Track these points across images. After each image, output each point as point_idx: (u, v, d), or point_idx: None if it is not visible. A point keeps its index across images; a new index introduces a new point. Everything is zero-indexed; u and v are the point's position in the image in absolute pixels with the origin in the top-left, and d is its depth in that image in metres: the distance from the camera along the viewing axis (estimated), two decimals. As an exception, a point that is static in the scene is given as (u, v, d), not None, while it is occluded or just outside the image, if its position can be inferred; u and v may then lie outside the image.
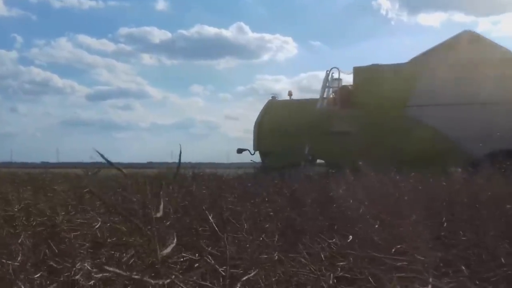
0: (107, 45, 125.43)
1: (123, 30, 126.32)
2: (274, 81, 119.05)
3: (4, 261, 2.60)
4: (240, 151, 17.64)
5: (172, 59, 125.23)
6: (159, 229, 2.15)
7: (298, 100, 17.93)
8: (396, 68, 14.63)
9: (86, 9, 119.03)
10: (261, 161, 17.05)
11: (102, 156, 2.09)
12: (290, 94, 18.04)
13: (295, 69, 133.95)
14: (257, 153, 17.40)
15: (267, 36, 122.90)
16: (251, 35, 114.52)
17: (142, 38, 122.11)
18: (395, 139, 13.49)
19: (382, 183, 5.62)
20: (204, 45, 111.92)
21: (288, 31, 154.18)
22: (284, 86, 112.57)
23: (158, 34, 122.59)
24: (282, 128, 16.35)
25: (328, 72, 16.00)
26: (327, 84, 15.95)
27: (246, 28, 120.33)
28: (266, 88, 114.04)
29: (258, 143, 17.35)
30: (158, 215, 1.96)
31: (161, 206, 2.00)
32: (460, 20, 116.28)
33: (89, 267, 2.07)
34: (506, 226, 3.95)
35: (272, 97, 18.18)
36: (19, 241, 3.11)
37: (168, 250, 2.03)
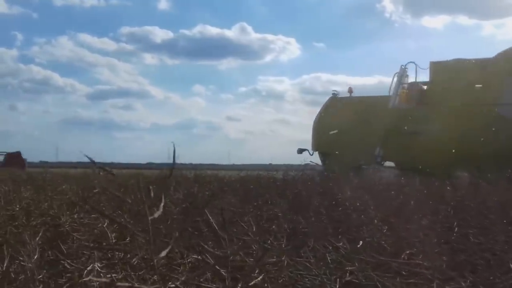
0: (109, 44, 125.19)
1: (125, 29, 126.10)
2: (277, 83, 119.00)
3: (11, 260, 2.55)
4: (300, 151, 16.24)
5: (174, 59, 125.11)
6: (157, 232, 2.11)
7: (362, 97, 16.48)
8: (482, 63, 13.39)
9: (87, 8, 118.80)
10: (321, 163, 15.65)
11: (89, 158, 2.03)
12: (350, 91, 16.54)
13: (298, 70, 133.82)
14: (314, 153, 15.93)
15: (270, 36, 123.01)
16: (253, 36, 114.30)
17: (143, 37, 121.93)
18: (484, 140, 12.20)
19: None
20: (206, 45, 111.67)
21: (292, 32, 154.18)
22: (286, 88, 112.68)
23: (160, 34, 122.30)
24: (346, 127, 14.98)
25: (403, 67, 14.76)
26: (402, 81, 14.62)
27: (249, 28, 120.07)
28: (268, 89, 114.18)
29: (318, 143, 16.02)
30: (156, 215, 1.91)
31: (161, 206, 1.95)
32: (464, 23, 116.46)
33: (98, 269, 2.03)
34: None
35: (333, 93, 16.70)
36: (23, 240, 3.07)
37: (163, 254, 1.98)
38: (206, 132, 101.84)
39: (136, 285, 1.74)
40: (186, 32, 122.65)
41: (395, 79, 14.83)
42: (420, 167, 11.14)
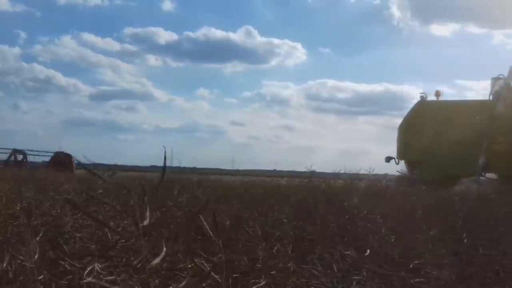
0: (112, 45, 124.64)
1: (129, 30, 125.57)
2: (282, 88, 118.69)
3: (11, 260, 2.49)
4: (388, 159, 14.77)
5: (178, 61, 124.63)
6: (148, 238, 2.04)
7: (455, 101, 15.08)
8: None
9: (91, 7, 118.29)
10: (408, 172, 14.14)
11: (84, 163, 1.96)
12: (438, 94, 15.07)
13: (304, 76, 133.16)
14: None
15: (276, 41, 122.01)
16: (259, 39, 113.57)
17: (147, 38, 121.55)
18: None
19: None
20: (211, 48, 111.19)
21: (298, 37, 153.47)
22: (292, 93, 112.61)
23: (164, 35, 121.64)
24: (439, 133, 13.70)
25: None
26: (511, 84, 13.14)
27: (254, 32, 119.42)
28: (273, 94, 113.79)
29: (406, 151, 14.62)
30: (145, 223, 1.85)
31: (147, 214, 1.89)
32: (473, 32, 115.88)
33: (98, 270, 1.96)
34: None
35: (421, 97, 15.11)
36: (23, 240, 3.02)
37: (156, 261, 1.92)
38: (210, 136, 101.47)
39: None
40: (190, 34, 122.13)
41: (501, 82, 13.53)
42: None
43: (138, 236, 1.91)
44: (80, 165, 2.23)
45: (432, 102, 15.04)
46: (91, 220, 2.38)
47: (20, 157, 26.95)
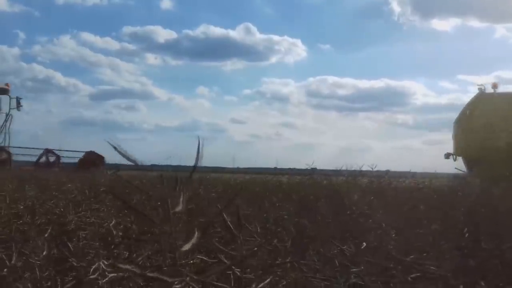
0: (111, 44, 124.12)
1: (127, 29, 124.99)
2: (282, 85, 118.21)
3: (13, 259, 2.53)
4: (447, 156, 13.92)
5: (177, 59, 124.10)
6: (178, 226, 2.08)
7: None
8: None
9: (89, 6, 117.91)
10: (466, 170, 12.96)
11: (116, 149, 1.97)
12: (495, 86, 13.95)
13: (304, 73, 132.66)
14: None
15: (275, 37, 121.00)
16: (258, 36, 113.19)
17: (146, 37, 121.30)
18: None
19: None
20: (210, 46, 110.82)
21: (297, 33, 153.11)
22: (292, 90, 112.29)
23: (163, 34, 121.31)
24: (501, 128, 12.85)
25: None
26: None
27: (254, 29, 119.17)
28: (273, 91, 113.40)
29: (464, 147, 13.73)
30: (178, 209, 1.89)
31: (181, 200, 1.93)
32: (475, 26, 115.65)
33: (104, 266, 2.00)
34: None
35: (479, 89, 14.04)
36: (28, 238, 3.06)
37: (188, 246, 1.96)
38: (210, 134, 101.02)
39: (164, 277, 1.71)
40: (189, 32, 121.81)
41: None
42: None
43: (170, 223, 1.95)
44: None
45: (491, 94, 14.02)
46: (129, 211, 2.37)
47: (52, 157, 26.01)
